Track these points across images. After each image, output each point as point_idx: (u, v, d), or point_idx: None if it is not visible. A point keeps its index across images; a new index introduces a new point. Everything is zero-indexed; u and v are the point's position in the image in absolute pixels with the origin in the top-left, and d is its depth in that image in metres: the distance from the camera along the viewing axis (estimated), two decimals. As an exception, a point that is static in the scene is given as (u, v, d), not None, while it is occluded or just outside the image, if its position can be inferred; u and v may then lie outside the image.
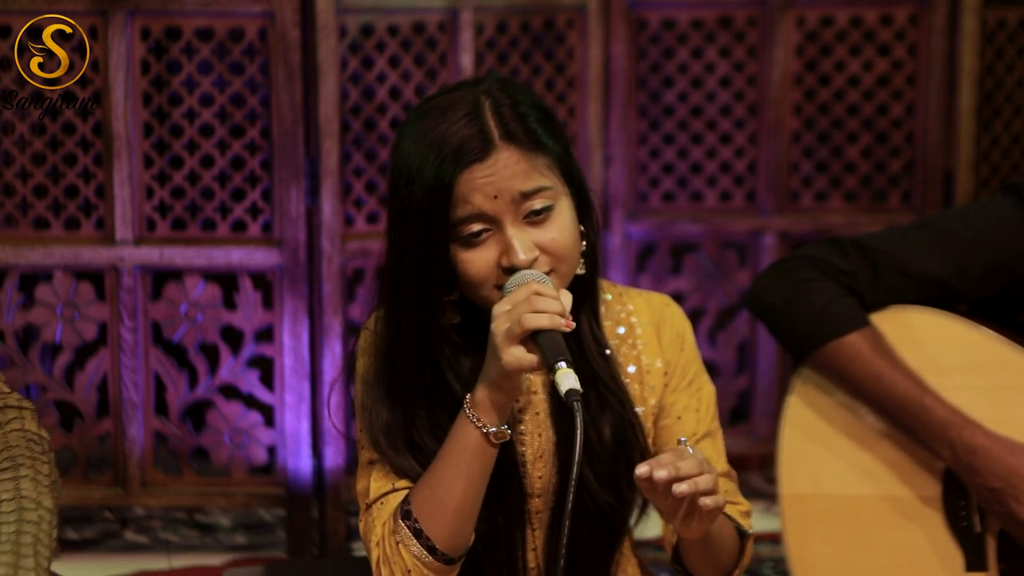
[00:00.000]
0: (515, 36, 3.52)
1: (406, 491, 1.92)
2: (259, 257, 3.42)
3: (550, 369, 1.76)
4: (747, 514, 2.08)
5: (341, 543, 3.49)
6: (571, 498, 1.73)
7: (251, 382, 3.47)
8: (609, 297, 2.07)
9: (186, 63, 3.40)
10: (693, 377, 2.07)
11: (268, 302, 3.46)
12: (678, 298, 3.76)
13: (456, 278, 1.91)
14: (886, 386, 2.31)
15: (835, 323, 2.33)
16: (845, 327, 2.33)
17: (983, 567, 2.33)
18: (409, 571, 1.89)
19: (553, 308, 1.78)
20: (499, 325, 1.79)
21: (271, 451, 3.49)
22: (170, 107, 3.42)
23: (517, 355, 1.78)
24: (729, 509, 2.03)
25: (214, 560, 3.53)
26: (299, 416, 3.44)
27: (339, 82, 3.38)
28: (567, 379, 1.75)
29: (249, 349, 3.46)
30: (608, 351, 2.02)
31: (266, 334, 3.47)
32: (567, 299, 1.84)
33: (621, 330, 2.06)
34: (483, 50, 3.47)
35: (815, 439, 2.42)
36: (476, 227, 1.86)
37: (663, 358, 2.05)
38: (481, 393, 1.84)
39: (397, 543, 1.89)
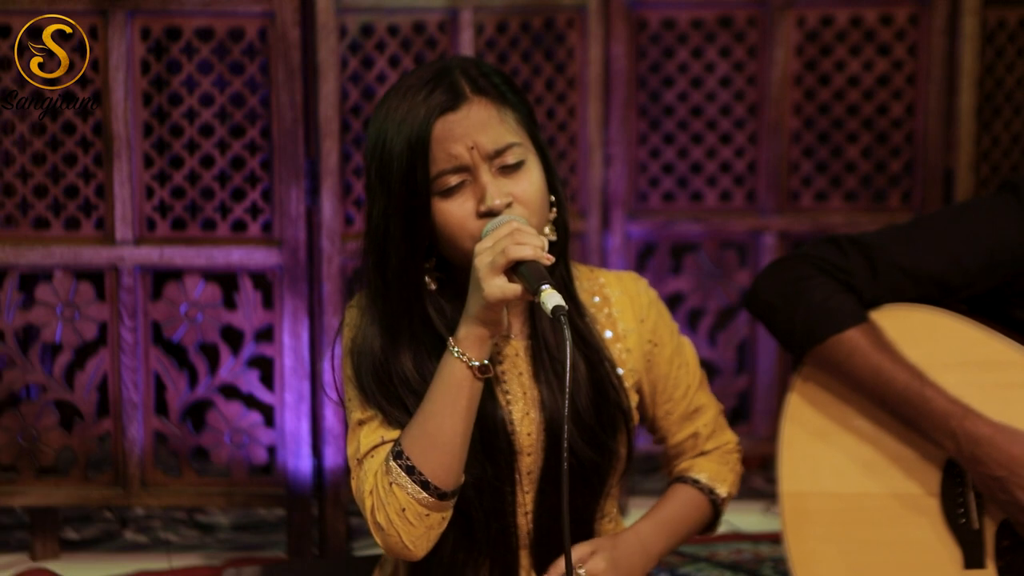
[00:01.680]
0: (515, 36, 3.52)
1: (394, 442, 2.00)
2: (259, 257, 3.43)
3: (534, 293, 1.85)
4: (735, 448, 2.31)
5: (341, 543, 3.49)
6: (567, 406, 1.82)
7: (251, 382, 3.47)
8: (579, 272, 2.19)
9: (186, 63, 3.40)
10: (673, 335, 2.21)
11: (268, 302, 3.46)
12: (678, 298, 3.77)
13: (435, 237, 2.00)
14: (886, 379, 2.32)
15: (834, 319, 2.34)
16: (844, 322, 2.34)
17: (981, 564, 2.34)
18: (403, 509, 1.95)
19: (535, 242, 1.89)
20: (482, 260, 1.88)
21: (271, 451, 3.49)
22: (170, 107, 3.42)
23: (500, 284, 1.87)
24: (709, 465, 2.25)
25: (214, 560, 3.53)
26: (299, 416, 3.44)
27: (339, 82, 3.38)
28: (552, 298, 1.83)
29: (249, 349, 3.46)
30: (585, 317, 2.13)
31: (266, 334, 3.47)
32: (543, 241, 1.92)
33: (596, 299, 2.17)
34: (483, 50, 3.47)
35: (816, 436, 2.42)
36: (454, 180, 1.97)
37: (642, 328, 2.17)
38: (464, 329, 1.93)
39: (390, 483, 1.95)
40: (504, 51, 3.51)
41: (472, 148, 1.96)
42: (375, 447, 2.01)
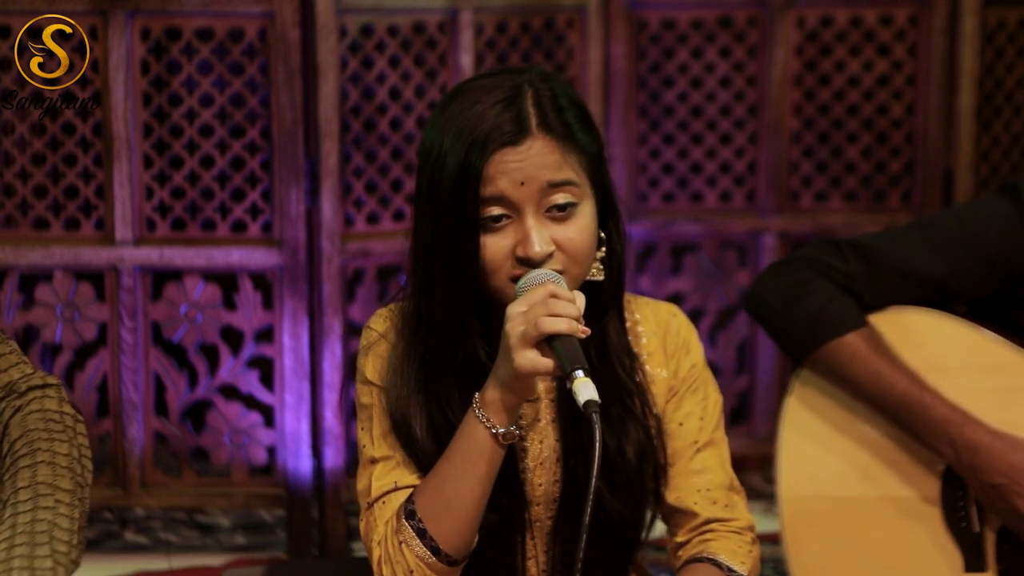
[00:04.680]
0: (515, 36, 3.52)
1: (408, 489, 1.89)
2: (259, 257, 3.42)
3: (567, 377, 1.72)
4: (748, 529, 2.04)
5: (341, 543, 3.49)
6: (588, 511, 1.69)
7: (251, 382, 3.47)
8: None
9: (186, 63, 3.40)
10: (699, 384, 2.03)
11: (268, 302, 3.46)
12: (678, 298, 3.77)
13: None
14: (885, 385, 2.31)
15: (833, 323, 2.33)
16: (843, 327, 2.33)
17: (982, 567, 2.33)
18: (411, 571, 1.86)
19: (570, 312, 1.75)
20: (514, 327, 1.76)
21: (271, 452, 3.49)
22: (170, 107, 3.42)
23: (531, 359, 1.74)
24: (726, 543, 2.00)
25: (214, 561, 3.53)
26: (299, 417, 3.44)
27: (339, 82, 3.38)
28: (585, 389, 1.70)
29: (249, 349, 3.46)
30: (637, 362, 1.99)
31: (266, 334, 3.47)
32: (580, 301, 1.80)
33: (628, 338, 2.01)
34: (483, 50, 3.47)
35: (814, 440, 2.42)
36: (496, 211, 1.83)
37: (668, 368, 2.02)
38: (492, 393, 1.81)
39: (400, 543, 1.86)
40: (504, 52, 3.51)
41: (523, 186, 1.82)
42: (387, 493, 1.91)
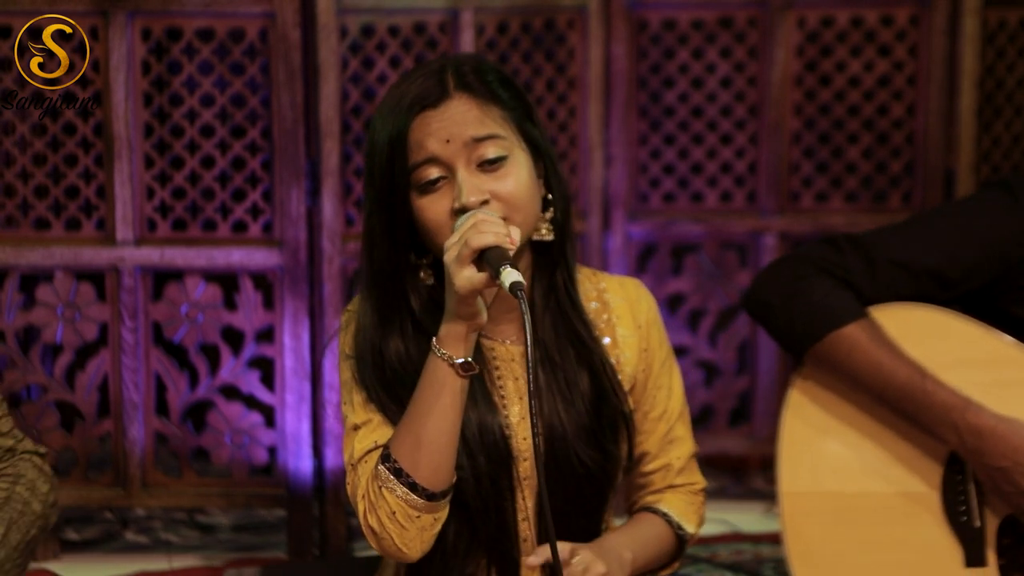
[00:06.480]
0: (516, 37, 3.52)
1: None
2: (260, 258, 3.42)
3: (496, 275, 1.85)
4: (702, 491, 2.24)
5: (341, 543, 3.49)
6: (532, 364, 1.83)
7: (252, 383, 3.47)
8: (581, 276, 2.17)
9: (187, 63, 3.40)
10: (666, 357, 2.19)
11: (269, 303, 3.46)
12: (678, 298, 3.77)
13: (421, 234, 2.01)
14: (887, 374, 2.32)
15: (833, 315, 2.35)
16: (843, 319, 2.34)
17: (983, 562, 2.34)
18: (394, 512, 1.95)
19: (497, 229, 1.88)
20: (449, 255, 1.89)
21: (272, 452, 3.49)
22: (171, 107, 3.42)
23: (468, 275, 1.87)
24: (677, 501, 2.20)
25: (214, 561, 3.53)
26: (300, 417, 3.44)
27: (340, 82, 3.39)
28: (511, 276, 1.84)
29: (250, 350, 3.46)
30: (585, 316, 2.12)
31: (267, 335, 3.47)
32: (515, 232, 1.92)
33: (594, 305, 2.15)
34: (484, 51, 3.47)
35: (816, 433, 2.42)
36: (432, 173, 1.97)
37: (639, 334, 2.15)
38: (445, 328, 1.93)
39: (380, 487, 1.95)
40: (505, 52, 3.51)
41: (448, 142, 1.95)
42: (368, 452, 2.00)
